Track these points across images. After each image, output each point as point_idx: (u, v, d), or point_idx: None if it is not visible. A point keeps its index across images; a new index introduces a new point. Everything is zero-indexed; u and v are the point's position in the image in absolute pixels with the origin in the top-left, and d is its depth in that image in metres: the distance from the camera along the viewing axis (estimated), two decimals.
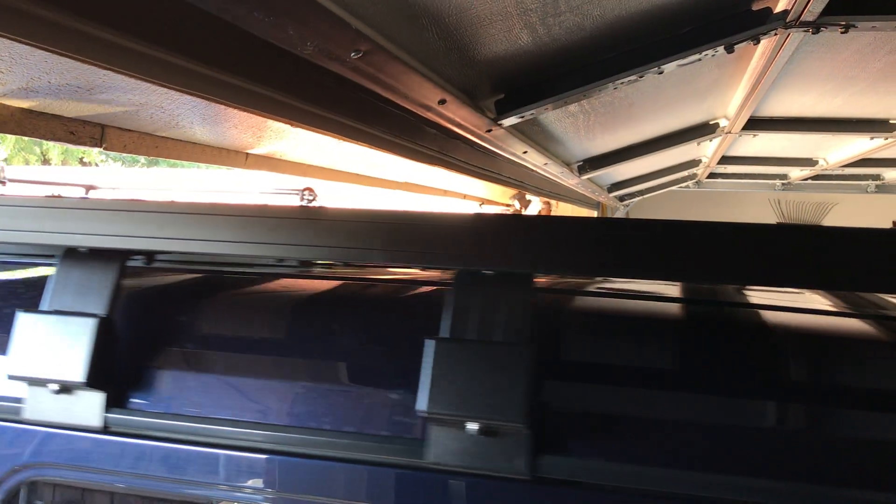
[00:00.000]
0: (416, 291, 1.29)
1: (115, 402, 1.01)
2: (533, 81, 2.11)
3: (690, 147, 4.26)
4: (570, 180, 4.00)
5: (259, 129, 2.62)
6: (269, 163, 3.16)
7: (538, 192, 4.68)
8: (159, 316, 1.16)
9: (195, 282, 1.30)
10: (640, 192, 6.33)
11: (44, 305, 1.03)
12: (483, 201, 6.26)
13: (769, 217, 9.40)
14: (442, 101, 1.72)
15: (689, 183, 6.43)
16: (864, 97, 3.15)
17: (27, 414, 1.02)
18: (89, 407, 0.99)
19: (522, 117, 2.17)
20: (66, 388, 0.99)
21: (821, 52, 2.46)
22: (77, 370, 0.97)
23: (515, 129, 2.42)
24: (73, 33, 1.08)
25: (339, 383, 1.04)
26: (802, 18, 1.93)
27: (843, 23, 1.97)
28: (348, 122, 1.78)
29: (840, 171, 5.44)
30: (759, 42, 2.07)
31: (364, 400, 1.00)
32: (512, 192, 6.07)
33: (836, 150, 4.76)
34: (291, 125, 1.78)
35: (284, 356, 1.07)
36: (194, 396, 1.04)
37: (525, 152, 2.74)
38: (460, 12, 1.46)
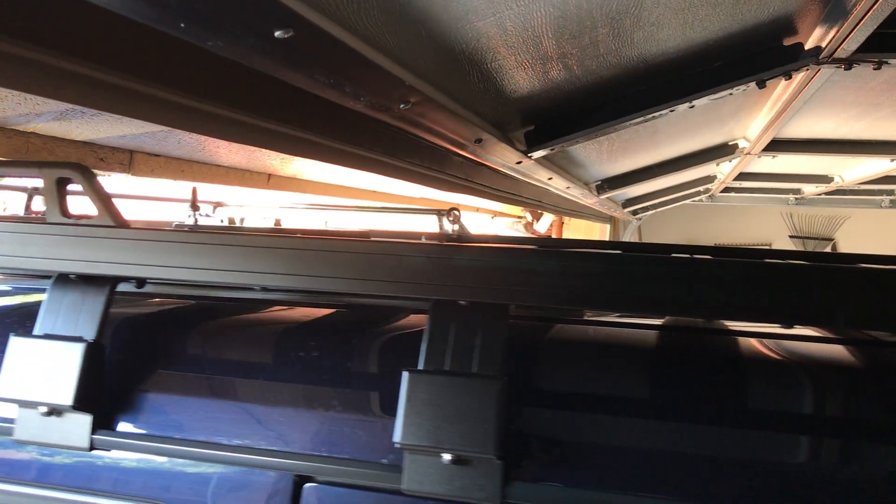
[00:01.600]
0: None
1: (515, 473, 0.91)
2: (563, 113, 2.11)
3: (709, 166, 4.26)
4: (588, 200, 4.00)
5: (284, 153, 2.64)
6: (290, 183, 3.19)
7: (555, 209, 4.68)
8: (545, 374, 1.03)
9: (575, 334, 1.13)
10: (654, 207, 6.32)
11: (420, 364, 0.93)
12: (495, 214, 6.26)
13: (779, 228, 9.35)
14: (478, 140, 1.73)
15: (703, 197, 6.42)
16: (887, 121, 3.14)
17: (407, 484, 0.91)
18: (485, 478, 0.88)
19: (552, 150, 2.17)
20: (461, 460, 0.88)
21: (848, 82, 2.45)
22: (478, 438, 0.86)
23: (543, 159, 2.42)
24: (120, 92, 1.09)
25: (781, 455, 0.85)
26: (836, 56, 1.93)
27: (877, 59, 1.97)
28: (384, 160, 1.79)
29: (854, 187, 5.42)
30: (790, 77, 2.07)
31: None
32: None
33: (853, 169, 4.75)
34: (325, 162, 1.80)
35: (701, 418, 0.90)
36: (597, 464, 0.90)
37: (550, 178, 2.75)
38: (503, 57, 1.46)
